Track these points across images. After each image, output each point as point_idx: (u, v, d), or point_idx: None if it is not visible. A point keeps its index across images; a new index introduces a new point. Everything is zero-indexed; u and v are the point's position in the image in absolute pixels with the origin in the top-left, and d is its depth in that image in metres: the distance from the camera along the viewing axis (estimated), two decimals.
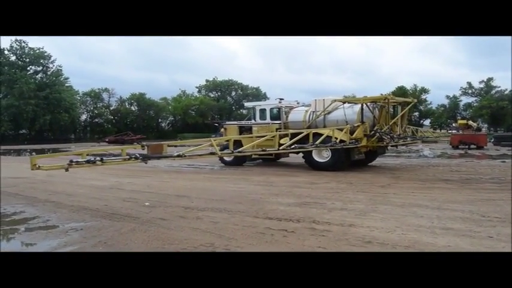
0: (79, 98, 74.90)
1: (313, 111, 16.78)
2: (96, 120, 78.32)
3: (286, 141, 14.34)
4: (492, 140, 34.77)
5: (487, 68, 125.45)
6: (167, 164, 19.86)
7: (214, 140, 10.80)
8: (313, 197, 9.62)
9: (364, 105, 15.41)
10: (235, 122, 21.48)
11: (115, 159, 9.33)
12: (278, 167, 17.33)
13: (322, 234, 6.23)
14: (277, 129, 17.22)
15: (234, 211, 8.11)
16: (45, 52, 65.19)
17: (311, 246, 5.62)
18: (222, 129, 20.46)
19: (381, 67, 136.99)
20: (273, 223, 7.04)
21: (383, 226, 6.64)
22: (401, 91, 75.36)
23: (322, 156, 15.60)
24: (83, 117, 77.61)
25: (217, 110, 78.06)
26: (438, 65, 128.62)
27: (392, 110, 16.33)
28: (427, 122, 77.11)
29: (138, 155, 9.10)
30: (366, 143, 15.12)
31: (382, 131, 15.02)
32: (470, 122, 36.45)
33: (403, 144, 17.72)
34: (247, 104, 22.00)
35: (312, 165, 15.86)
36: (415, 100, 17.65)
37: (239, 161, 18.25)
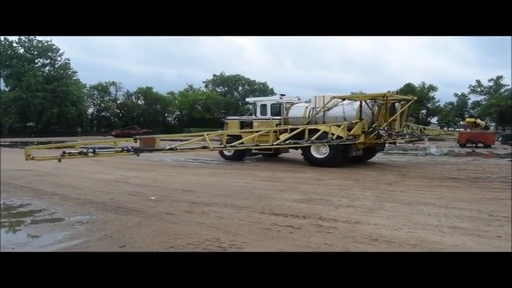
0: (86, 91, 75.08)
1: (313, 108, 16.90)
2: (103, 113, 78.54)
3: (285, 136, 14.37)
4: (500, 139, 34.51)
5: (497, 66, 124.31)
6: (173, 158, 19.90)
7: (208, 135, 10.79)
8: (320, 194, 9.58)
9: (363, 102, 15.49)
10: (237, 117, 21.65)
11: (107, 151, 9.44)
12: (284, 163, 17.28)
13: (328, 231, 6.19)
14: (277, 124, 17.36)
15: (240, 206, 8.09)
16: (53, 45, 65.40)
17: (317, 243, 5.59)
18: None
19: (390, 64, 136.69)
20: (279, 219, 7.01)
21: (390, 224, 6.60)
22: (409, 88, 74.95)
23: (320, 152, 15.68)
24: (90, 110, 77.94)
25: (223, 104, 77.98)
26: (447, 62, 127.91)
27: (392, 107, 16.37)
28: (434, 119, 76.71)
29: (130, 148, 9.17)
30: (364, 139, 15.19)
31: (381, 128, 15.05)
32: (478, 121, 36.15)
33: (410, 141, 17.73)
34: (248, 99, 22.16)
35: (310, 161, 15.96)
36: (415, 98, 17.81)
37: (239, 156, 18.41)
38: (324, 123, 15.92)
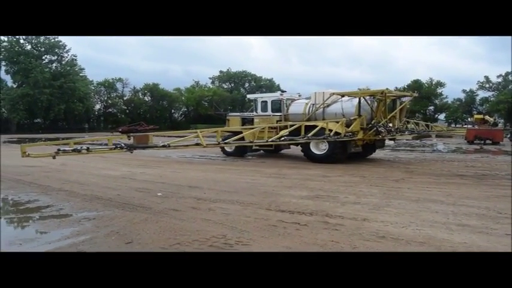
0: (93, 87, 75.30)
1: (313, 104, 16.98)
2: (110, 110, 78.75)
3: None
4: (508, 136, 34.21)
5: (506, 62, 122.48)
6: (179, 154, 19.93)
7: (201, 132, 10.81)
8: (326, 190, 9.54)
9: (362, 99, 15.51)
10: (238, 114, 21.74)
11: (101, 148, 9.53)
12: (290, 160, 17.24)
13: (335, 228, 6.16)
14: (277, 121, 17.47)
15: (247, 203, 8.08)
16: (60, 42, 65.59)
17: (324, 240, 5.57)
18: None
19: (397, 60, 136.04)
20: (285, 216, 6.99)
21: (397, 221, 6.55)
22: (416, 85, 74.63)
23: (319, 148, 15.78)
24: (97, 107, 78.12)
25: (230, 101, 77.93)
26: (455, 58, 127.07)
27: (392, 104, 16.41)
28: (442, 116, 76.22)
29: (123, 145, 9.24)
30: (363, 136, 15.24)
31: (379, 124, 15.05)
32: (487, 117, 35.90)
33: (417, 138, 17.66)
34: (249, 96, 22.27)
35: (309, 157, 16.08)
36: (415, 94, 17.76)
37: (240, 152, 18.59)
38: (323, 119, 15.96)
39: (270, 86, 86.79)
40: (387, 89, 15.67)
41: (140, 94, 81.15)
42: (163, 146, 10.03)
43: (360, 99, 15.54)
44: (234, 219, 6.80)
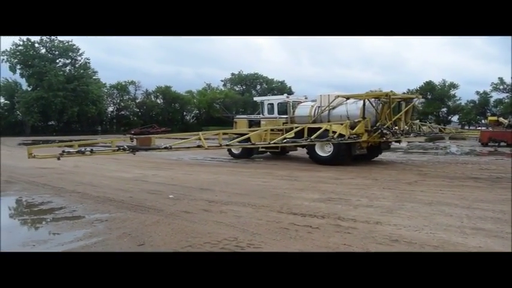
0: (106, 90, 75.80)
1: (319, 106, 17.07)
2: (123, 112, 79.23)
3: (291, 135, 14.44)
4: None
5: None
6: (191, 156, 20.00)
7: (203, 134, 10.86)
8: (338, 193, 9.48)
9: (367, 101, 15.57)
10: (245, 116, 21.96)
11: (104, 150, 9.65)
12: (301, 162, 17.16)
13: (347, 231, 6.11)
14: (283, 123, 17.62)
15: (258, 206, 8.06)
16: (74, 45, 66.18)
17: (336, 243, 5.53)
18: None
19: (409, 61, 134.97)
20: (297, 219, 6.96)
21: (410, 224, 6.48)
22: (429, 86, 74.06)
23: (324, 150, 15.89)
24: (110, 109, 78.54)
25: (242, 103, 77.94)
26: (468, 59, 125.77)
27: (397, 106, 16.49)
28: (455, 118, 75.45)
29: (126, 147, 9.36)
30: (367, 138, 15.27)
31: (384, 126, 15.09)
32: (501, 119, 35.42)
33: (430, 140, 17.55)
34: (256, 99, 22.44)
35: (314, 159, 16.21)
36: (420, 96, 17.75)
37: (247, 154, 18.78)
38: (329, 121, 16.03)
39: (281, 88, 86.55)
40: (391, 91, 15.68)
41: (152, 97, 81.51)
42: (166, 148, 10.13)
43: (364, 101, 15.60)
44: (245, 221, 6.79)
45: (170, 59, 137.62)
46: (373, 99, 15.70)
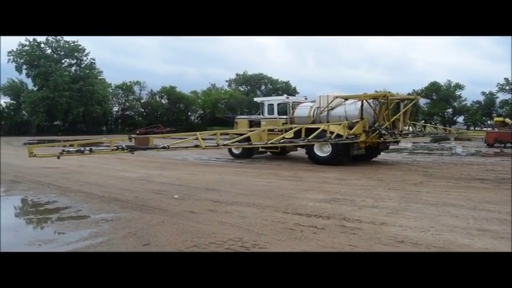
0: (111, 90, 76.07)
1: (318, 107, 17.24)
2: (128, 112, 79.44)
3: (290, 135, 14.61)
4: None
5: None
6: (196, 157, 20.02)
7: (200, 134, 10.89)
8: (343, 194, 9.46)
9: (365, 102, 15.73)
10: (246, 116, 22.16)
11: (103, 149, 9.76)
12: (306, 163, 17.12)
13: (353, 232, 6.10)
14: (283, 123, 17.81)
15: (263, 206, 8.05)
16: (80, 45, 66.45)
17: (341, 244, 5.51)
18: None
19: (415, 61, 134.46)
20: (302, 219, 6.95)
21: (416, 225, 6.46)
22: (434, 87, 73.79)
23: (323, 150, 16.04)
24: (115, 109, 78.78)
25: (246, 104, 77.94)
26: (474, 59, 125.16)
27: (396, 107, 16.75)
28: (460, 119, 75.11)
29: (124, 146, 9.46)
30: (365, 138, 15.41)
31: (382, 127, 15.25)
32: (507, 120, 35.18)
33: (435, 141, 17.57)
34: (256, 99, 22.66)
35: (313, 159, 16.36)
36: (418, 97, 18.00)
37: (247, 154, 18.94)
38: (328, 122, 16.20)
39: (286, 88, 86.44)
40: (389, 92, 16.03)
41: (157, 97, 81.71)
42: (163, 148, 10.21)
43: (362, 102, 15.75)
44: (250, 222, 6.78)
45: (175, 59, 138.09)
46: (371, 100, 15.85)
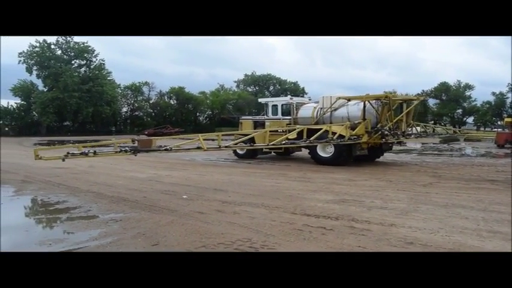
0: (120, 91, 76.44)
1: (321, 108, 17.39)
2: (136, 113, 79.75)
3: (293, 136, 14.60)
4: None
5: None
6: (204, 157, 20.06)
7: (202, 136, 10.93)
8: (352, 195, 9.43)
9: (368, 103, 15.82)
10: (250, 117, 22.33)
11: (107, 152, 9.87)
12: (315, 163, 17.10)
13: (362, 233, 6.07)
14: (287, 124, 17.95)
15: (272, 207, 8.05)
16: (89, 46, 66.86)
17: (350, 245, 5.49)
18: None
19: (424, 62, 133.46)
20: (311, 220, 6.94)
21: (425, 227, 6.42)
22: (443, 87, 73.18)
23: (326, 151, 16.18)
24: (124, 110, 79.16)
25: (254, 104, 77.99)
26: (484, 59, 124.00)
27: (400, 107, 16.96)
28: (470, 119, 74.39)
29: (128, 148, 9.56)
30: (367, 139, 15.47)
31: (384, 128, 15.38)
32: None
33: (444, 141, 17.55)
34: (260, 100, 22.83)
35: (316, 159, 16.51)
36: (421, 98, 18.12)
37: (251, 154, 19.11)
38: (331, 123, 16.29)
39: (294, 89, 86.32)
40: (391, 93, 16.13)
41: (166, 97, 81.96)
42: (166, 150, 10.29)
43: (364, 103, 15.81)
44: (259, 222, 6.79)
45: (183, 59, 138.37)
46: (373, 101, 15.92)
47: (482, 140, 34.69)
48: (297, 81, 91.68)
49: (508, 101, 70.71)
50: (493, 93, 72.11)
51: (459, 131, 30.41)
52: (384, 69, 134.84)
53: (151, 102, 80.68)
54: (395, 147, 23.09)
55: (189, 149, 11.01)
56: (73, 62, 66.74)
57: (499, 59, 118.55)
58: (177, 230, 6.40)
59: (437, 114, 72.11)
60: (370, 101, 15.86)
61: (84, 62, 67.86)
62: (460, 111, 74.25)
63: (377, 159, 18.03)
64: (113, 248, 5.53)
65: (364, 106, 15.76)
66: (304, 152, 19.38)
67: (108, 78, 70.38)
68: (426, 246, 5.40)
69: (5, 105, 63.50)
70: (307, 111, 18.04)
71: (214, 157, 20.31)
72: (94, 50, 67.74)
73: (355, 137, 14.99)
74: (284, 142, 13.49)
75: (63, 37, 63.60)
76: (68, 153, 8.80)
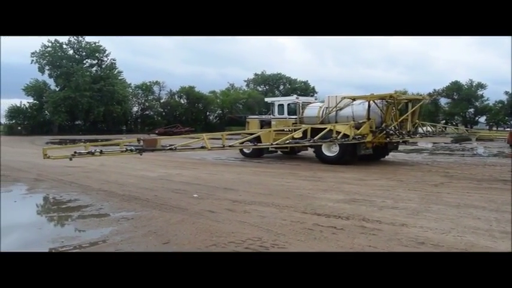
0: (131, 90, 76.82)
1: (327, 107, 17.40)
2: (147, 112, 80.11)
3: (299, 135, 14.75)
4: None
5: None
6: (214, 156, 20.10)
7: (206, 136, 10.96)
8: (363, 194, 9.39)
9: (373, 103, 15.82)
10: (257, 117, 22.40)
11: (113, 151, 9.98)
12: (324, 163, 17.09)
13: (372, 233, 6.05)
14: (293, 123, 17.98)
15: (282, 206, 8.05)
16: (101, 46, 67.27)
17: (361, 245, 5.48)
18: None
19: (436, 61, 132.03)
20: (321, 219, 6.93)
21: (437, 227, 6.38)
22: (455, 86, 72.53)
23: (331, 150, 16.26)
24: (135, 109, 79.45)
25: (265, 103, 78.01)
26: (497, 58, 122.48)
27: (405, 107, 17.00)
28: (482, 119, 73.64)
29: (133, 148, 9.65)
30: (372, 138, 15.48)
31: (389, 127, 15.38)
32: None
33: (457, 141, 17.49)
34: (267, 99, 22.95)
35: (321, 158, 16.62)
36: (426, 98, 18.00)
37: (258, 153, 19.18)
38: (336, 122, 16.32)
39: (304, 88, 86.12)
40: (396, 92, 16.09)
41: (176, 97, 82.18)
42: (170, 149, 10.36)
43: (369, 102, 15.81)
44: (269, 221, 6.79)
45: (194, 59, 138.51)
46: (378, 101, 15.94)
47: (494, 140, 34.31)
48: (307, 81, 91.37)
49: None
50: (506, 93, 71.25)
51: (467, 130, 30.12)
52: (395, 68, 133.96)
53: (161, 101, 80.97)
54: (405, 147, 22.98)
55: (193, 148, 11.07)
56: (84, 61, 67.19)
57: None
58: (188, 228, 6.43)
59: (449, 113, 71.50)
60: (375, 101, 15.88)
61: (96, 61, 68.31)
62: (472, 110, 73.54)
63: (387, 159, 18.00)
64: (124, 245, 5.57)
65: (369, 106, 15.78)
66: (311, 151, 19.41)
67: (119, 77, 70.78)
68: (438, 246, 5.36)
69: (18, 105, 64.14)
70: (313, 110, 18.10)
71: (224, 156, 20.34)
72: (105, 50, 68.19)
73: (359, 136, 15.01)
74: (289, 141, 13.53)
75: (75, 37, 64.02)
76: (75, 152, 8.92)
